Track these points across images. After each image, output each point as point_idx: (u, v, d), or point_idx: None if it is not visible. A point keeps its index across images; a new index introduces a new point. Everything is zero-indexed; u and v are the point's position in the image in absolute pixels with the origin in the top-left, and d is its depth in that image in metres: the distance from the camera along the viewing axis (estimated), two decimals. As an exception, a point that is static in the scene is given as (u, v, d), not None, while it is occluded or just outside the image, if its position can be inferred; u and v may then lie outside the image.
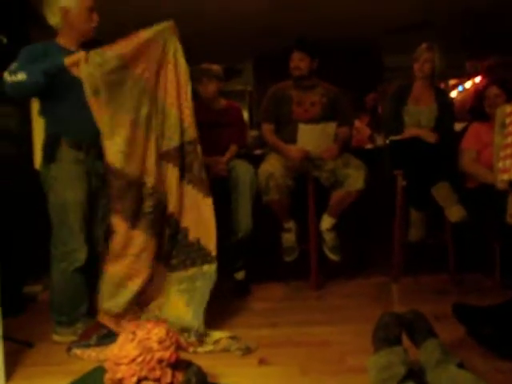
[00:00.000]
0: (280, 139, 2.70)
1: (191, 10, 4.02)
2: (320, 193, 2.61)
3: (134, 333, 1.42)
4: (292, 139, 2.59)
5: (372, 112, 4.64)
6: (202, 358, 1.72)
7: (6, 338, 1.71)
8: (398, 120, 2.74)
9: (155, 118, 2.09)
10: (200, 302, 2.03)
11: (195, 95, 2.78)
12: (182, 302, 2.07)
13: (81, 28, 2.00)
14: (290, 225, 2.64)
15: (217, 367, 1.66)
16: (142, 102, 2.03)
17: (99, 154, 1.98)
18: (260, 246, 2.76)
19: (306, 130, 2.58)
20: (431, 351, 1.41)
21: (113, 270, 1.98)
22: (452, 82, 5.83)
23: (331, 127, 2.61)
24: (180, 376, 1.43)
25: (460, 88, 6.04)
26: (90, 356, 1.80)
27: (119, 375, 1.37)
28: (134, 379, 1.36)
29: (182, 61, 2.13)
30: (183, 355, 1.57)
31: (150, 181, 2.04)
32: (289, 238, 2.65)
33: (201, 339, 1.90)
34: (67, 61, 1.87)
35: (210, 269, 2.10)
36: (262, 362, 1.73)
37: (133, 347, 1.39)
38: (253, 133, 3.68)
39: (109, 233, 1.99)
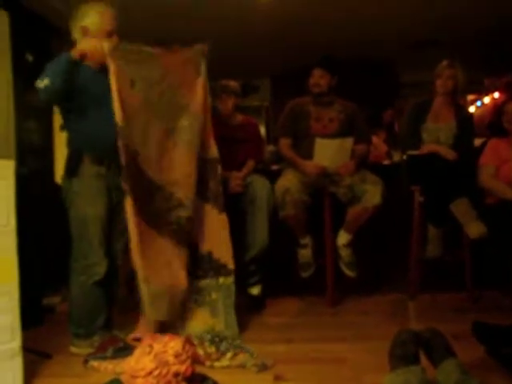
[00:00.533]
0: (297, 154, 2.72)
1: (210, 30, 4.09)
2: (337, 208, 2.61)
3: (150, 346, 1.44)
4: (309, 154, 2.60)
5: (388, 128, 4.63)
6: (218, 372, 1.72)
7: (25, 349, 1.74)
8: (416, 136, 2.73)
9: (190, 131, 2.14)
10: (226, 312, 2.09)
11: (213, 111, 2.84)
12: (207, 314, 2.11)
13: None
14: (307, 240, 2.64)
15: (232, 382, 1.66)
16: (178, 114, 2.11)
17: (120, 168, 2.02)
18: (276, 261, 2.75)
19: (322, 144, 2.59)
20: (450, 371, 1.38)
21: (154, 282, 1.99)
22: (470, 97, 5.80)
23: (348, 142, 2.61)
24: (195, 390, 1.43)
25: (478, 103, 6.01)
26: (107, 368, 1.81)
27: (136, 388, 1.38)
28: (150, 392, 1.37)
29: (207, 83, 2.23)
30: (199, 369, 1.57)
31: (176, 191, 2.09)
32: (305, 253, 2.65)
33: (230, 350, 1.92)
34: (73, 52, 1.86)
35: (226, 281, 2.14)
36: (277, 378, 1.71)
37: (149, 360, 1.40)
38: (270, 148, 3.70)
39: (128, 247, 2.02)
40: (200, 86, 2.19)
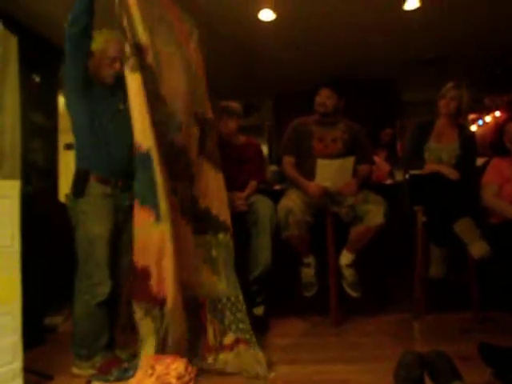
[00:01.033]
0: (300, 173, 2.73)
1: (213, 50, 4.16)
2: (340, 228, 2.60)
3: (152, 367, 1.43)
4: (311, 174, 2.61)
5: (389, 147, 4.64)
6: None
7: (26, 371, 1.72)
8: (419, 156, 2.74)
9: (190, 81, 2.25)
10: (227, 270, 2.15)
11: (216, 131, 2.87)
12: (208, 271, 2.14)
13: (99, 72, 2.10)
14: (310, 260, 2.64)
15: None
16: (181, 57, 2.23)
17: (125, 186, 2.05)
18: (279, 280, 2.74)
19: (324, 165, 2.59)
20: (455, 394, 1.37)
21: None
22: (471, 116, 5.83)
23: (349, 162, 2.62)
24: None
25: (480, 122, 6.05)
26: (109, 390, 1.80)
27: (138, 411, 1.37)
28: (153, 415, 1.35)
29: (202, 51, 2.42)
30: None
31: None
32: (308, 272, 2.64)
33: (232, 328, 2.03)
34: None
35: (225, 238, 2.20)
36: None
37: (151, 382, 1.39)
38: (272, 168, 3.72)
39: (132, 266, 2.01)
40: (194, 44, 2.39)
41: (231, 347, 2.01)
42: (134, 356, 2.09)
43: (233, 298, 2.13)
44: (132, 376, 1.53)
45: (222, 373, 1.89)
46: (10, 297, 1.67)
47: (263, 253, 2.51)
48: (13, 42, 2.51)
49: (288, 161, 2.81)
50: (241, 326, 2.07)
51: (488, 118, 5.91)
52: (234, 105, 2.86)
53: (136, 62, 1.85)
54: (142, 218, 1.86)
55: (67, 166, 4.53)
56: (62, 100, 3.76)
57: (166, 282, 1.84)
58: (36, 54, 3.34)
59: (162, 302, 1.84)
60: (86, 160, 2.06)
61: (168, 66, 2.11)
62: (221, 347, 2.00)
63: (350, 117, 2.89)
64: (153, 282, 1.85)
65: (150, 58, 1.99)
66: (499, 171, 2.59)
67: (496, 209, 2.53)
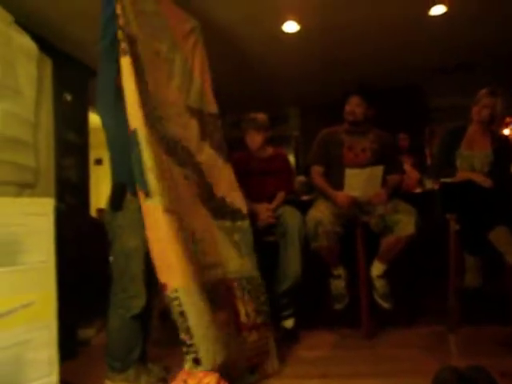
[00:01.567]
0: (329, 183, 2.71)
1: (243, 65, 4.21)
2: (371, 238, 2.57)
3: (185, 381, 1.43)
4: (340, 184, 2.59)
5: (408, 152, 4.52)
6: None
7: (62, 383, 1.76)
8: (450, 163, 2.69)
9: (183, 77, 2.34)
10: (250, 253, 2.24)
11: (242, 144, 2.90)
12: (235, 253, 2.19)
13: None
14: (340, 271, 2.60)
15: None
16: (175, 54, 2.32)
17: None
18: (308, 292, 2.72)
19: (353, 174, 2.57)
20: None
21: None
22: (507, 119, 5.68)
23: (378, 170, 2.59)
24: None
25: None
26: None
27: (171, 425, 1.37)
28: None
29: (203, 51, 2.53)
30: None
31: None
32: (338, 284, 2.61)
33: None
34: None
35: (244, 224, 2.29)
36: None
37: (184, 396, 1.40)
38: (300, 179, 3.71)
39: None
40: (197, 43, 2.52)
41: (258, 327, 2.10)
42: (166, 369, 2.12)
43: (259, 280, 2.24)
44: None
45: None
46: (46, 311, 1.72)
47: (292, 265, 2.49)
48: (47, 64, 2.60)
49: (317, 170, 2.80)
50: (264, 308, 2.19)
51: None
52: (261, 117, 2.86)
53: (127, 47, 1.89)
54: (140, 201, 1.82)
55: (97, 180, 4.67)
56: (92, 117, 3.88)
57: (171, 267, 1.72)
58: (67, 74, 3.45)
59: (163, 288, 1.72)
60: (122, 174, 2.10)
61: (153, 62, 2.15)
62: (254, 325, 2.06)
63: (376, 125, 2.87)
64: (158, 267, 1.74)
65: (138, 48, 2.02)
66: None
67: None
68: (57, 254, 1.77)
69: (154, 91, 2.07)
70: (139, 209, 2.00)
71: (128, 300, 2.01)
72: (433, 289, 2.93)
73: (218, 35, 3.60)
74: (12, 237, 1.63)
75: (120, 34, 1.90)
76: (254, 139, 2.82)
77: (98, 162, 5.65)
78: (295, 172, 4.59)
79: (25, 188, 2.30)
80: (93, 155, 4.17)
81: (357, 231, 2.59)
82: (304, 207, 2.66)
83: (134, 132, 1.81)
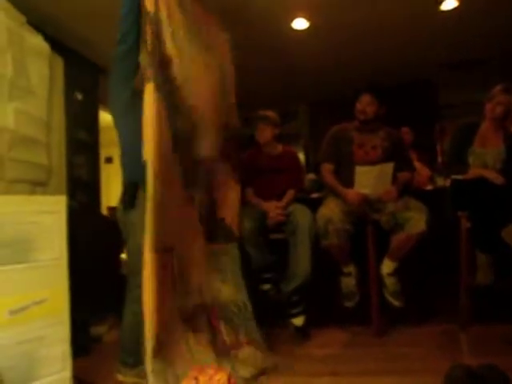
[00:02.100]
0: (339, 181, 2.70)
1: (252, 62, 4.21)
2: (381, 236, 2.55)
3: (196, 378, 1.44)
4: (350, 181, 2.58)
5: (413, 147, 4.47)
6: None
7: (75, 379, 1.78)
8: (461, 160, 2.66)
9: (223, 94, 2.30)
10: (236, 278, 2.19)
11: (252, 142, 2.90)
12: (217, 279, 2.16)
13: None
14: (350, 269, 2.59)
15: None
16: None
17: None
18: (318, 290, 2.71)
19: (363, 171, 2.56)
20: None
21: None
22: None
23: (389, 167, 2.58)
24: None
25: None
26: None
27: (182, 421, 1.38)
28: (197, 426, 1.37)
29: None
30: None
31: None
32: (348, 282, 2.60)
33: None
34: None
35: (233, 247, 2.27)
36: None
37: (195, 393, 1.41)
38: (310, 176, 3.71)
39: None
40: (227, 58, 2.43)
41: (248, 343, 2.07)
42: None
43: (241, 304, 2.17)
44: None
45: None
46: (58, 308, 1.74)
47: (302, 263, 2.49)
48: (59, 64, 2.64)
49: (327, 168, 2.78)
50: (252, 333, 2.12)
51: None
52: (270, 113, 2.87)
53: (152, 74, 1.83)
54: None
55: (107, 179, 4.71)
56: (102, 115, 3.91)
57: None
58: (78, 73, 3.49)
59: None
60: (134, 173, 2.11)
61: (198, 76, 2.13)
62: (238, 344, 2.04)
63: (386, 122, 2.85)
64: None
65: (174, 69, 1.98)
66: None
67: None
68: (69, 251, 1.79)
69: (199, 110, 2.06)
70: None
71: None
72: (444, 287, 2.91)
73: (227, 32, 3.60)
74: (25, 234, 1.66)
75: (145, 60, 1.85)
76: (264, 133, 2.82)
77: (109, 160, 5.69)
78: (305, 170, 4.59)
79: (37, 186, 2.33)
80: (103, 153, 4.20)
81: (367, 229, 2.57)
82: (314, 205, 2.65)
83: (145, 162, 1.78)
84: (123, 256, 3.02)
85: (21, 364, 1.61)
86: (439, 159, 4.85)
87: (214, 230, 2.22)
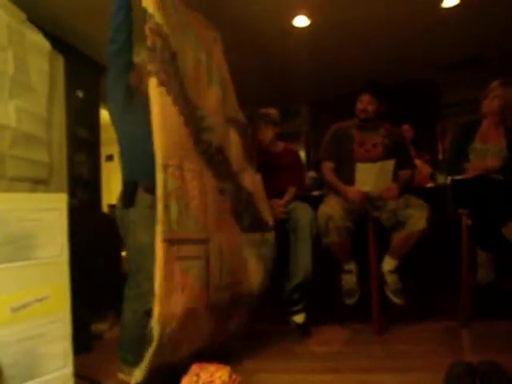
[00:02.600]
0: (339, 179, 2.70)
1: (252, 60, 4.20)
2: (382, 233, 2.55)
3: (197, 375, 1.45)
4: (351, 179, 2.58)
5: (413, 144, 4.45)
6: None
7: (76, 376, 1.79)
8: (462, 158, 2.66)
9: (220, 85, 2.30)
10: (266, 270, 2.28)
11: (254, 139, 2.89)
12: (260, 267, 2.25)
13: (142, 84, 2.09)
14: (351, 266, 2.60)
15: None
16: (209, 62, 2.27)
17: None
18: (319, 287, 2.71)
19: (364, 168, 2.57)
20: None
21: None
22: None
23: (389, 165, 2.58)
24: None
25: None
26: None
27: (183, 418, 1.39)
28: (198, 422, 1.37)
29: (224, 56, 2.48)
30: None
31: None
32: (349, 279, 2.60)
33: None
34: None
35: (271, 236, 2.34)
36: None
37: (196, 390, 1.41)
38: (310, 174, 3.71)
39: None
40: (220, 53, 2.46)
41: None
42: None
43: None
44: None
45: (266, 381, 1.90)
46: (60, 305, 1.74)
47: (303, 260, 2.49)
48: (60, 61, 2.63)
49: (327, 166, 2.79)
50: None
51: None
52: (272, 112, 2.87)
53: (154, 68, 1.82)
54: None
55: (108, 177, 4.71)
56: (103, 113, 3.91)
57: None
58: (79, 71, 3.48)
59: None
60: (133, 171, 2.11)
61: (196, 72, 2.14)
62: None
63: (387, 120, 2.85)
64: None
65: (178, 61, 1.99)
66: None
67: None
68: (69, 249, 1.79)
69: (199, 104, 2.06)
70: (151, 205, 2.02)
71: (142, 295, 2.01)
72: (445, 284, 2.91)
73: (229, 29, 3.59)
74: (26, 232, 1.65)
75: (145, 55, 1.86)
76: (265, 134, 2.83)
77: (109, 158, 5.68)
78: (306, 167, 4.59)
79: (38, 184, 2.33)
80: (104, 151, 4.20)
81: (368, 226, 2.57)
82: (314, 203, 2.65)
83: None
84: (124, 253, 3.03)
85: (22, 361, 1.61)
86: (441, 158, 4.84)
87: (250, 222, 2.27)
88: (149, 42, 1.82)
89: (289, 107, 5.85)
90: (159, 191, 1.75)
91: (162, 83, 1.81)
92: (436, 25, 3.81)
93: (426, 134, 4.73)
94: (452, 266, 2.68)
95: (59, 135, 2.57)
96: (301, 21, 3.63)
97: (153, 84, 1.79)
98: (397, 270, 2.53)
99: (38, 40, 2.39)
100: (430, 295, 3.01)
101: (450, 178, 2.71)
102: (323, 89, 5.37)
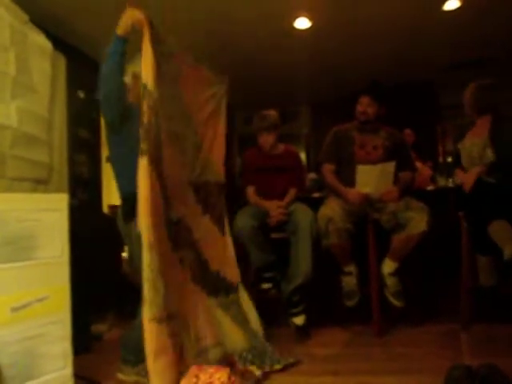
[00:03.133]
0: (340, 181, 2.70)
1: (254, 61, 4.20)
2: (381, 235, 2.55)
3: (197, 376, 1.45)
4: (351, 181, 2.59)
5: (414, 148, 4.46)
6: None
7: (76, 376, 1.79)
8: (460, 161, 2.65)
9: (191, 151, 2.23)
10: (244, 325, 2.21)
11: (254, 140, 2.90)
12: (236, 327, 2.18)
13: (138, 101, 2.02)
14: (351, 268, 2.59)
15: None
16: (186, 130, 2.19)
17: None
18: (319, 289, 2.71)
19: (364, 170, 2.57)
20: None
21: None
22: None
23: (390, 167, 2.58)
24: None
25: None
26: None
27: (182, 419, 1.39)
28: (197, 424, 1.37)
29: (224, 114, 2.41)
30: None
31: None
32: (349, 281, 2.60)
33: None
34: (118, 30, 1.90)
35: (236, 297, 2.29)
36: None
37: (196, 391, 1.41)
38: (311, 176, 3.71)
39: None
40: (220, 116, 2.41)
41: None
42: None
43: (259, 347, 2.19)
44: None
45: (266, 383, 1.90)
46: (60, 306, 1.74)
47: (303, 262, 2.49)
48: (61, 62, 2.63)
49: (328, 168, 2.79)
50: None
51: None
52: (272, 114, 2.86)
53: (146, 146, 1.78)
54: None
55: (108, 177, 4.71)
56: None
57: None
58: (81, 72, 3.49)
59: None
60: (130, 185, 1.95)
61: (170, 140, 2.06)
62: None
63: (387, 122, 2.85)
64: None
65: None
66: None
67: None
68: (70, 249, 1.80)
69: (167, 173, 2.00)
70: None
71: None
72: (445, 287, 2.91)
73: (231, 31, 3.60)
74: (27, 232, 1.66)
75: (143, 132, 1.79)
76: (266, 140, 2.83)
77: (109, 159, 5.67)
78: (306, 169, 4.59)
79: (39, 184, 2.33)
80: (104, 152, 4.21)
81: (368, 228, 2.57)
82: (315, 204, 2.65)
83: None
84: (124, 254, 3.02)
85: (22, 361, 1.61)
86: (440, 160, 4.85)
87: (214, 284, 2.23)
88: (145, 120, 1.78)
89: (289, 109, 5.86)
90: (146, 271, 1.71)
91: (152, 161, 1.78)
92: (437, 27, 3.82)
93: (426, 135, 4.72)
94: (453, 269, 2.68)
95: (60, 136, 2.57)
96: (302, 23, 3.64)
97: (143, 163, 1.75)
98: (397, 273, 2.53)
99: (41, 41, 2.39)
100: (430, 298, 3.01)
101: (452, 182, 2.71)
102: (324, 90, 5.38)
